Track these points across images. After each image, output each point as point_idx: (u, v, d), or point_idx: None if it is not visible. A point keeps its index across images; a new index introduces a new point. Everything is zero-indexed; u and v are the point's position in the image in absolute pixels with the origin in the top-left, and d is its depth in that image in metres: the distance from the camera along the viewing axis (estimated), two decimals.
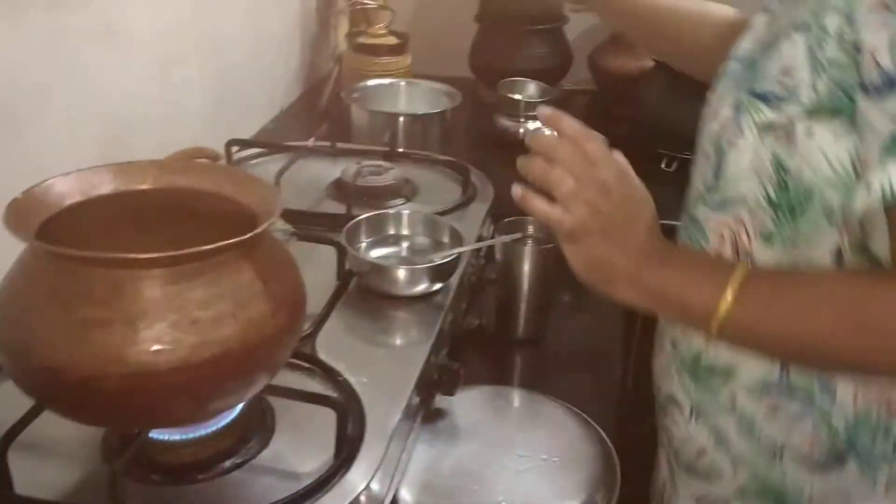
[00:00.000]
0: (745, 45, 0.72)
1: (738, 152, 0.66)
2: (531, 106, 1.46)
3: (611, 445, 0.82)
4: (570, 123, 0.64)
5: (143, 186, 0.68)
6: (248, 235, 0.58)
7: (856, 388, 0.67)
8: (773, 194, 0.64)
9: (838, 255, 0.64)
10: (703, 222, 0.71)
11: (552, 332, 1.01)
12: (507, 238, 0.95)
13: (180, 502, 0.64)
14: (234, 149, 1.21)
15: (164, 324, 0.55)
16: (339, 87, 1.60)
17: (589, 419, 0.85)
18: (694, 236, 0.73)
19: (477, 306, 1.00)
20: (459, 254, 0.91)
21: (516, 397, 0.91)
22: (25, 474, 0.63)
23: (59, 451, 0.68)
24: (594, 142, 0.64)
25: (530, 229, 0.98)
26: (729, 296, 0.61)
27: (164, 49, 1.20)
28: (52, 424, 0.63)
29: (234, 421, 0.68)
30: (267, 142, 1.27)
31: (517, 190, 0.65)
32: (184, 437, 0.66)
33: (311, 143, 1.20)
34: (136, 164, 0.69)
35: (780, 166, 0.63)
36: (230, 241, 0.57)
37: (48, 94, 0.95)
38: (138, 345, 0.54)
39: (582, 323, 1.06)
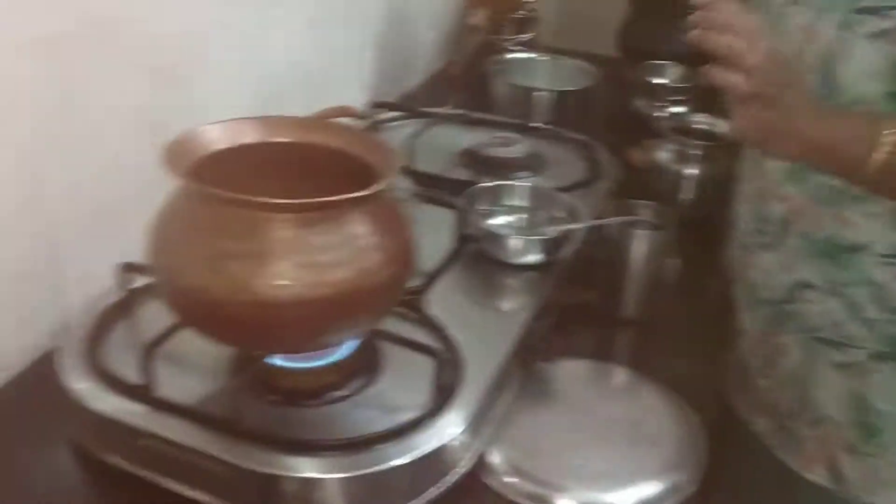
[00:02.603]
0: None
1: (849, 61, 0.74)
2: (670, 91, 1.46)
3: (700, 428, 0.84)
4: (728, 5, 0.70)
5: (283, 139, 0.76)
6: (368, 191, 0.64)
7: None
8: (892, 90, 0.72)
9: None
10: None
11: (657, 314, 1.02)
12: (620, 219, 0.97)
13: (290, 422, 0.72)
14: (377, 110, 1.29)
15: (288, 263, 0.62)
16: (481, 59, 1.64)
17: (682, 401, 0.87)
18: None
19: (586, 283, 1.03)
20: (573, 229, 0.95)
21: (615, 374, 0.94)
22: (164, 380, 0.73)
23: (195, 364, 0.77)
24: (750, 16, 0.70)
25: (644, 213, 1.00)
26: (885, 146, 0.70)
27: (317, 9, 1.28)
28: (192, 339, 0.72)
29: (345, 358, 0.75)
30: (406, 106, 1.33)
31: (708, 69, 0.71)
32: (300, 365, 0.74)
33: (446, 110, 1.26)
34: (279, 119, 0.76)
35: None
36: (352, 195, 0.63)
37: (207, 48, 1.04)
38: (264, 278, 0.62)
39: (689, 308, 1.07)
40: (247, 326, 0.64)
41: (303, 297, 0.62)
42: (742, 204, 0.91)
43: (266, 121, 0.75)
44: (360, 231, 0.65)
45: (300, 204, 0.63)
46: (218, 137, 0.72)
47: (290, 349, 0.71)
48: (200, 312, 0.66)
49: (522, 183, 1.04)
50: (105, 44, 0.87)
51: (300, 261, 0.63)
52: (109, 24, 0.88)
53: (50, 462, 0.76)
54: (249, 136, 0.74)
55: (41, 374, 0.83)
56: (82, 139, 0.87)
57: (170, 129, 0.96)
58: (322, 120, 0.80)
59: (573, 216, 0.98)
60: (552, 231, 0.95)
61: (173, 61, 0.97)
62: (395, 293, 0.70)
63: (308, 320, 0.64)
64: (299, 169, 0.75)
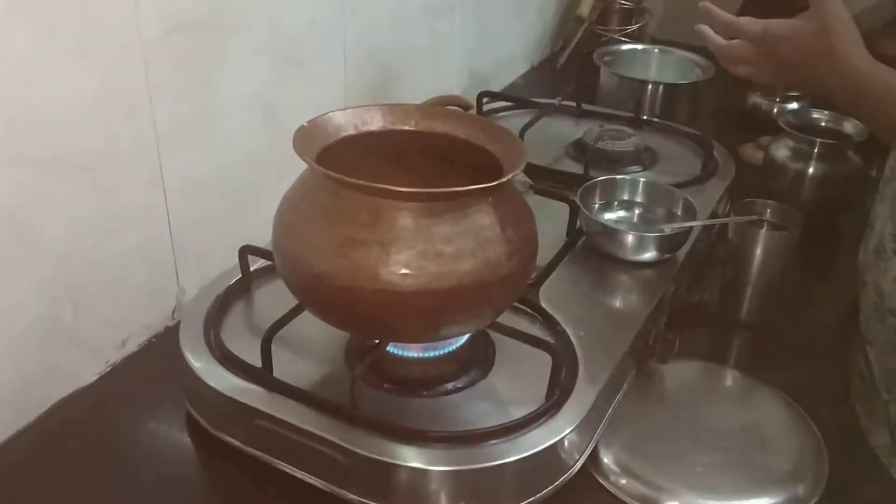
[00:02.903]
0: None
1: None
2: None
3: (821, 439, 0.81)
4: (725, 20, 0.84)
5: (406, 127, 0.75)
6: (495, 183, 0.63)
7: None
8: None
9: None
10: None
11: (775, 319, 0.98)
12: (742, 219, 0.93)
13: (404, 411, 0.72)
14: (485, 100, 1.28)
15: (413, 251, 0.62)
16: (587, 50, 1.61)
17: (801, 410, 0.84)
18: None
19: (702, 282, 1.00)
20: (691, 227, 0.92)
21: (728, 377, 0.91)
22: (282, 362, 0.74)
23: (310, 349, 0.78)
24: (746, 30, 0.82)
25: (768, 213, 0.96)
26: None
27: None
28: (307, 324, 0.73)
29: (460, 349, 0.75)
30: (516, 96, 1.32)
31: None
32: (415, 355, 0.73)
33: (557, 101, 1.23)
34: (402, 107, 0.76)
35: None
36: (478, 186, 0.62)
37: (329, 35, 1.05)
38: (389, 266, 0.62)
39: (808, 314, 1.02)
40: (368, 314, 0.64)
41: (426, 286, 0.62)
42: (881, 204, 0.86)
43: (390, 108, 0.74)
44: (485, 222, 0.64)
45: (427, 193, 0.62)
46: (344, 124, 0.72)
47: (409, 338, 0.71)
48: (322, 297, 0.66)
49: (638, 178, 1.02)
50: (234, 31, 0.89)
51: (424, 250, 0.62)
52: (240, 12, 0.89)
53: (167, 435, 0.78)
54: (374, 123, 0.74)
55: (161, 352, 0.86)
56: (205, 122, 0.89)
57: (284, 114, 0.98)
58: (446, 108, 0.79)
59: (690, 214, 0.95)
60: (669, 228, 0.92)
61: (289, 48, 0.98)
62: (518, 286, 0.69)
63: (430, 311, 0.64)
64: (423, 157, 0.75)
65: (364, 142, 0.73)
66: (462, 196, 0.63)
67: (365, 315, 0.65)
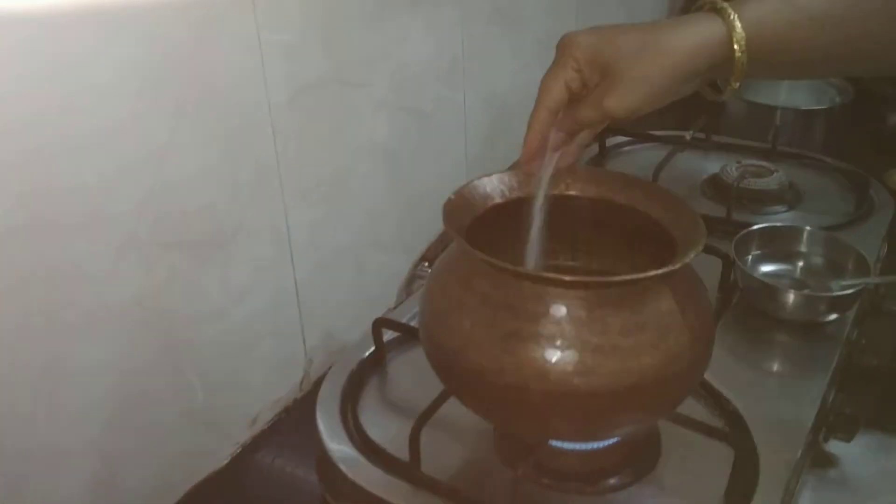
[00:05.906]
0: None
1: None
2: None
3: None
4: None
5: (556, 192, 0.68)
6: (678, 266, 0.56)
7: None
8: None
9: None
10: None
11: None
12: None
13: None
14: (606, 135, 1.20)
15: (587, 347, 0.55)
16: None
17: None
18: None
19: (872, 341, 0.90)
20: (867, 284, 0.82)
21: None
22: (425, 450, 0.67)
23: (456, 434, 0.71)
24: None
25: None
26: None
27: (548, 29, 1.21)
28: (451, 407, 0.66)
29: (624, 438, 0.67)
30: (641, 132, 1.23)
31: None
32: (575, 447, 0.66)
33: (688, 135, 1.15)
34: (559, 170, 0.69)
35: None
36: (659, 271, 0.55)
37: (448, 82, 1.00)
38: (561, 364, 0.55)
39: None
40: (537, 415, 0.58)
41: (605, 386, 0.55)
42: None
43: None
44: (664, 308, 0.57)
45: (602, 282, 0.55)
46: (491, 192, 0.66)
47: (580, 439, 0.64)
48: (484, 395, 0.59)
49: (802, 226, 0.92)
50: (358, 86, 0.84)
51: (600, 345, 0.55)
52: (362, 66, 0.84)
53: None
54: (521, 189, 0.67)
55: (291, 428, 0.82)
56: (330, 180, 0.84)
57: (407, 165, 0.93)
58: (599, 169, 0.72)
59: (862, 267, 0.85)
60: (838, 287, 0.82)
61: (410, 98, 0.93)
62: (699, 374, 0.61)
63: (606, 411, 0.57)
64: (574, 222, 0.68)
65: (511, 209, 0.67)
66: (640, 282, 0.56)
67: (531, 416, 0.58)
